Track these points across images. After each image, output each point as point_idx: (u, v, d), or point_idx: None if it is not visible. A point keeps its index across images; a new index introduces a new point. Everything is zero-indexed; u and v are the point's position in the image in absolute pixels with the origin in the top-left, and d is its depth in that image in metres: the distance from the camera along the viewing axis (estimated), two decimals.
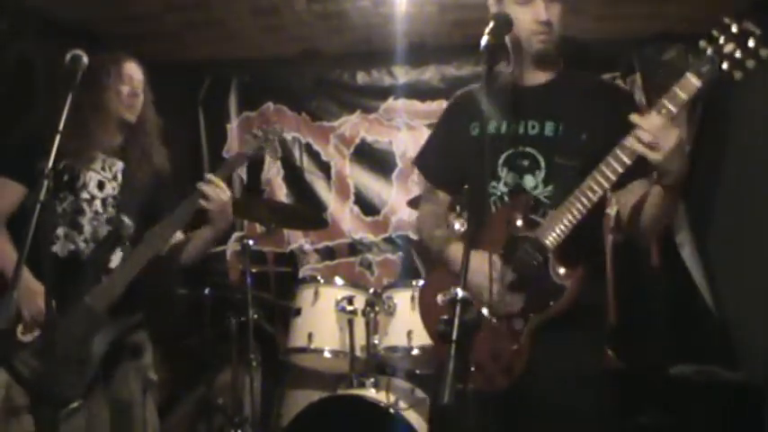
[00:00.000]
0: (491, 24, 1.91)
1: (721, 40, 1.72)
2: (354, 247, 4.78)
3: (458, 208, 3.37)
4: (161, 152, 2.74)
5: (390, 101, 4.82)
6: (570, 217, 1.88)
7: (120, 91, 2.60)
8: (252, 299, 3.65)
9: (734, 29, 1.70)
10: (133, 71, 2.65)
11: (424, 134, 3.35)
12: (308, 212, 4.43)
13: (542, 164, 2.02)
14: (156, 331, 2.66)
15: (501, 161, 2.07)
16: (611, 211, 4.26)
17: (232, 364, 3.90)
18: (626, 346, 4.09)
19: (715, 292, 3.98)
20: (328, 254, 4.80)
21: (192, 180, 2.55)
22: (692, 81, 1.74)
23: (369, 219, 4.80)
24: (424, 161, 2.40)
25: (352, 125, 4.87)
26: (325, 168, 4.88)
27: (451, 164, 2.25)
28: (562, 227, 1.88)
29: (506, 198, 2.05)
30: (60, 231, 2.48)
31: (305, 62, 4.87)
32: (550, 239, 1.90)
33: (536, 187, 2.02)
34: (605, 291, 2.25)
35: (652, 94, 4.14)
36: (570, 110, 2.03)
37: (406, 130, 4.76)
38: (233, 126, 4.98)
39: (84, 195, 2.53)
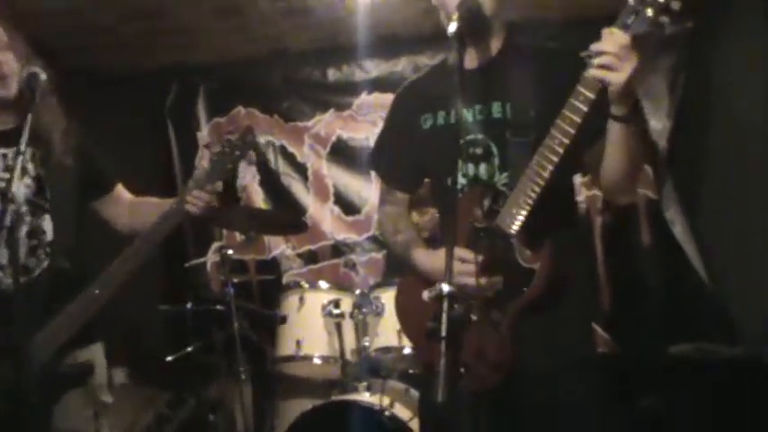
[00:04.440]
0: (459, 8, 1.83)
1: None
2: (338, 249, 4.70)
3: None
4: (61, 119, 2.22)
5: (363, 96, 4.73)
6: (528, 197, 1.79)
7: None
8: (236, 309, 3.55)
9: None
10: None
11: None
12: (287, 217, 4.33)
13: (495, 150, 1.95)
14: (133, 351, 2.47)
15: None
16: (600, 192, 4.27)
17: (220, 378, 3.82)
18: (622, 328, 4.05)
19: (709, 266, 3.93)
20: (311, 258, 4.72)
21: (165, 194, 2.37)
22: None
23: (350, 218, 4.71)
24: (377, 161, 2.35)
25: (327, 124, 4.78)
26: (301, 170, 4.79)
27: (406, 162, 2.19)
28: (522, 209, 1.80)
29: (466, 190, 1.98)
30: None
31: (273, 62, 4.79)
32: (511, 224, 1.82)
33: (492, 176, 1.95)
34: (588, 263, 2.16)
35: None
36: (514, 86, 1.95)
37: (381, 124, 4.63)
38: (203, 134, 4.88)
39: None
